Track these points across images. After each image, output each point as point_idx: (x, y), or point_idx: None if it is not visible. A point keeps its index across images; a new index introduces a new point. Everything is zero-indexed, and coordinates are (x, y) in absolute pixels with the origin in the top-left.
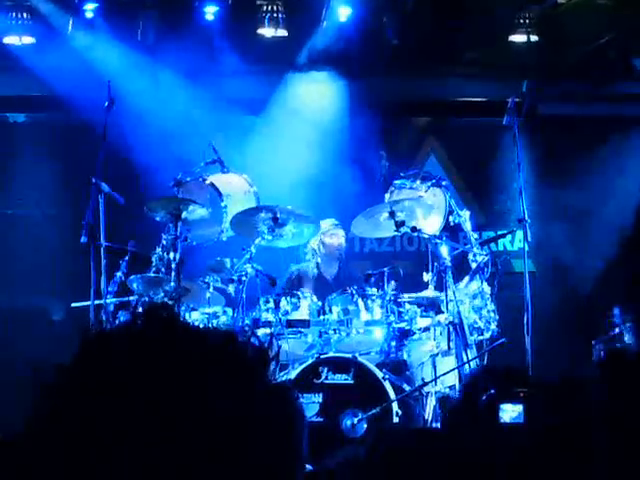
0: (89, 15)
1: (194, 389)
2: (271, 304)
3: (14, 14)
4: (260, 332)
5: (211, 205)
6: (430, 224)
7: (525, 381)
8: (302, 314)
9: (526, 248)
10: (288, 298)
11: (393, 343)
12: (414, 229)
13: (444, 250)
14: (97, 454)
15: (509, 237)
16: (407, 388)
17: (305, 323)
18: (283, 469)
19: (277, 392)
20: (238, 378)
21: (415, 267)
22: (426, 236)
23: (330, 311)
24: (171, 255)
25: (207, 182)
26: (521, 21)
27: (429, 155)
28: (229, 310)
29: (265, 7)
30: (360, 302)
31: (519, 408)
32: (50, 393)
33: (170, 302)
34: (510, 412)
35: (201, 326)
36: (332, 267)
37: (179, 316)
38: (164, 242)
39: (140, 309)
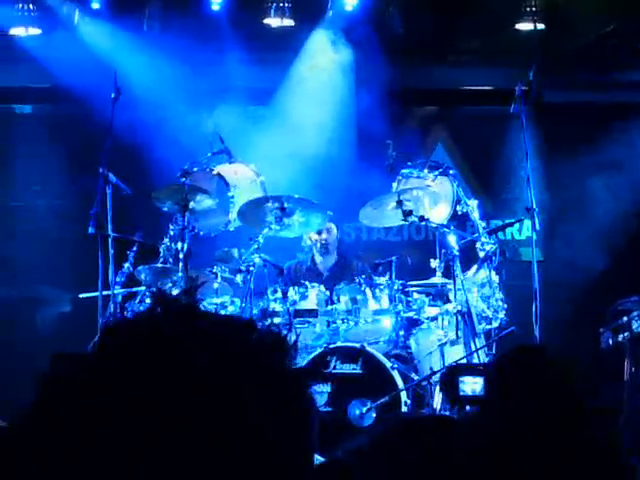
0: (95, 6)
1: (214, 377)
2: (279, 294)
3: (20, 5)
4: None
5: (218, 195)
6: (438, 213)
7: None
8: (310, 304)
9: (534, 237)
10: (296, 288)
11: (401, 332)
12: (422, 218)
13: (452, 239)
14: (111, 444)
15: (517, 226)
16: (416, 377)
17: (313, 313)
18: (296, 458)
19: (295, 380)
20: (258, 365)
21: (423, 256)
22: (434, 225)
23: (338, 300)
24: (179, 245)
25: (214, 172)
26: (527, 9)
27: (436, 144)
28: (237, 300)
29: None
30: (368, 291)
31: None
32: (66, 383)
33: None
34: (471, 385)
35: (221, 314)
36: (326, 260)
37: (199, 304)
38: (172, 232)
39: (160, 297)
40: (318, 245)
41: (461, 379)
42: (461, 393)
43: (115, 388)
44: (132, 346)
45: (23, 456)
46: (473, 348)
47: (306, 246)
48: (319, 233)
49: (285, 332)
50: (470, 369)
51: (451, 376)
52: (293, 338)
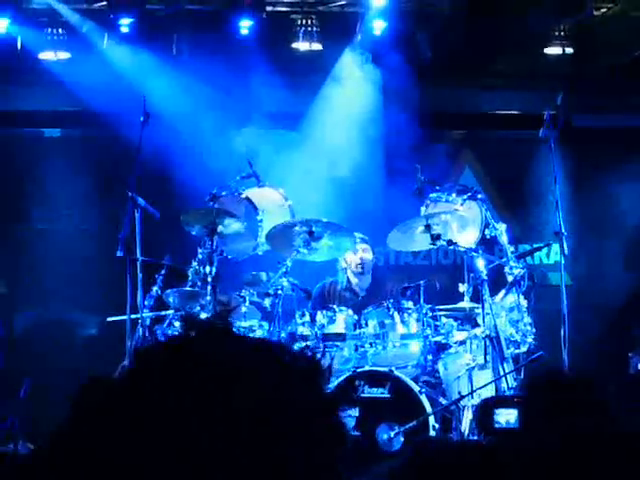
0: (124, 30)
1: (249, 400)
2: (307, 318)
3: (49, 30)
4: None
5: (246, 219)
6: (466, 237)
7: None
8: (338, 328)
9: (562, 261)
10: (324, 312)
11: (429, 357)
12: (450, 242)
13: (480, 263)
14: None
15: (545, 250)
16: (444, 402)
17: (341, 337)
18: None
19: (328, 404)
20: (291, 389)
21: (451, 280)
22: (462, 249)
23: (366, 324)
24: (207, 269)
25: (243, 196)
26: (556, 33)
27: (464, 168)
28: (265, 324)
29: (299, 21)
30: (396, 315)
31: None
32: (99, 407)
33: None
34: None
35: (255, 337)
36: (362, 281)
37: (232, 327)
38: (200, 256)
39: (193, 320)
40: (353, 265)
41: (496, 411)
42: (496, 425)
43: (150, 413)
44: (167, 370)
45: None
46: (501, 372)
47: (341, 269)
48: (355, 253)
49: (319, 356)
50: (504, 401)
51: (485, 408)
52: (327, 362)
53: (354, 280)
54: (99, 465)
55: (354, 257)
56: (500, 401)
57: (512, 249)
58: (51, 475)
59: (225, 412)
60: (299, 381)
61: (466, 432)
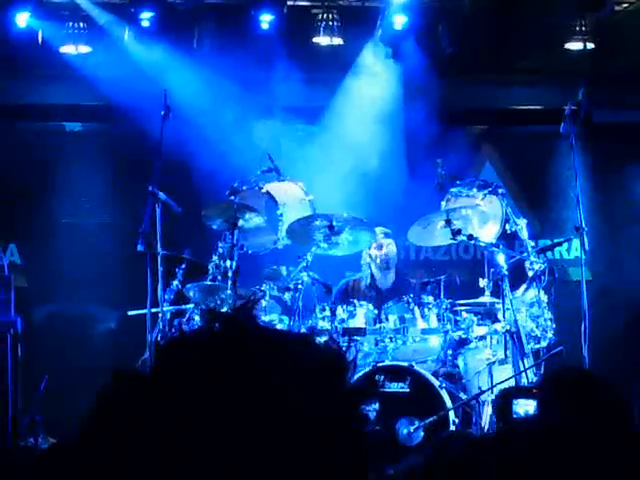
0: (145, 24)
1: (272, 393)
2: (327, 312)
3: (71, 23)
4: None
5: (267, 213)
6: (486, 232)
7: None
8: (358, 322)
9: (583, 256)
10: (344, 306)
11: (449, 352)
12: (470, 237)
13: (501, 258)
14: (176, 458)
15: (565, 245)
16: (464, 397)
17: (361, 331)
18: (352, 473)
19: (352, 396)
20: (316, 381)
21: (471, 275)
22: (483, 244)
23: (386, 319)
24: (227, 263)
25: (263, 190)
26: (577, 29)
27: (485, 163)
28: (285, 318)
29: (320, 15)
30: (416, 310)
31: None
32: (125, 398)
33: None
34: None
35: (279, 329)
36: (386, 278)
37: (257, 319)
38: (220, 250)
39: (217, 313)
40: (378, 261)
41: (515, 401)
42: (515, 415)
43: (177, 406)
44: (193, 362)
45: (86, 470)
46: (522, 368)
47: (364, 263)
48: (379, 248)
49: (344, 348)
50: (523, 392)
51: (505, 398)
52: (352, 355)
53: (378, 275)
54: (129, 459)
55: (379, 252)
56: (519, 392)
57: (532, 244)
58: (80, 469)
59: (254, 404)
60: (325, 373)
61: (486, 427)
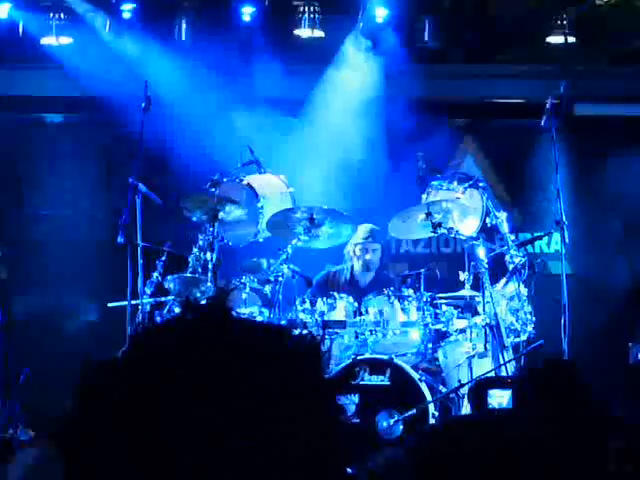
0: (126, 15)
1: (246, 381)
2: (307, 305)
3: (52, 14)
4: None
5: (247, 206)
6: (467, 226)
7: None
8: (338, 315)
9: (563, 250)
10: (324, 299)
11: (429, 345)
12: (451, 230)
13: (481, 252)
14: (146, 445)
15: (545, 239)
16: (443, 390)
17: (341, 324)
18: (326, 466)
19: (327, 387)
20: (289, 370)
21: (451, 269)
22: (463, 237)
23: (366, 312)
24: (208, 255)
25: (244, 183)
26: (558, 22)
27: (466, 156)
28: (265, 311)
29: (302, 8)
30: (396, 303)
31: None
32: (96, 389)
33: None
34: (498, 398)
35: (254, 320)
36: (366, 275)
37: (232, 309)
38: (201, 243)
39: (190, 303)
40: (361, 262)
41: (490, 392)
42: (489, 406)
43: (147, 394)
44: (163, 351)
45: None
46: (501, 361)
47: (347, 256)
48: (365, 252)
49: (318, 339)
50: (498, 382)
51: (479, 389)
52: (326, 346)
53: (358, 271)
54: (108, 448)
55: (363, 255)
56: (493, 382)
57: (513, 237)
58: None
59: (224, 392)
60: (299, 363)
61: None
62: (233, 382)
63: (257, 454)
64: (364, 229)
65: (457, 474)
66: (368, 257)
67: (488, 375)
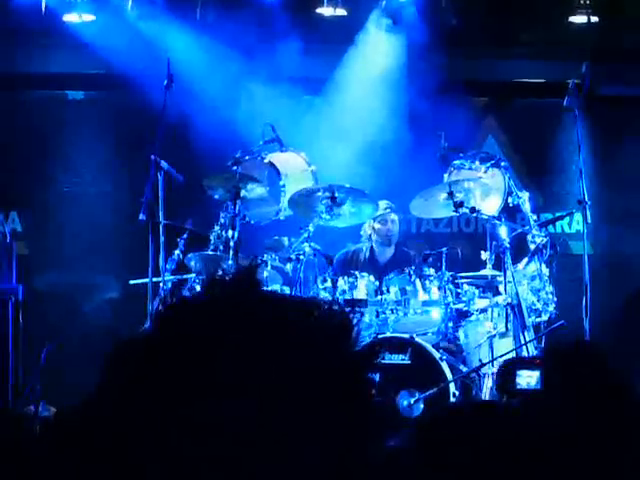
0: None
1: (276, 355)
2: (328, 283)
3: None
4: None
5: (269, 184)
6: (489, 205)
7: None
8: (360, 293)
9: (585, 230)
10: (345, 277)
11: (450, 324)
12: (473, 210)
13: (503, 231)
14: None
15: (567, 219)
16: (464, 369)
17: (362, 303)
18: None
19: (360, 361)
20: (322, 343)
21: (472, 248)
22: (485, 217)
23: (387, 291)
24: (229, 233)
25: (265, 161)
26: (581, 2)
27: (488, 135)
28: (286, 289)
29: None
30: (418, 282)
31: (536, 374)
32: (126, 362)
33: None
34: (526, 378)
35: (283, 295)
36: (386, 251)
37: (261, 283)
38: (222, 220)
39: (219, 279)
40: (381, 235)
41: (518, 372)
42: (517, 386)
43: (177, 374)
44: (194, 325)
45: (93, 438)
46: (522, 341)
47: (365, 235)
48: (384, 223)
49: (349, 312)
50: (527, 362)
51: (508, 368)
52: (356, 319)
53: (377, 249)
54: (130, 428)
55: (383, 227)
56: (522, 362)
57: (535, 217)
58: (84, 436)
59: (257, 366)
60: (332, 337)
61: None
62: (267, 355)
63: (290, 429)
64: (381, 204)
65: (472, 451)
66: (388, 227)
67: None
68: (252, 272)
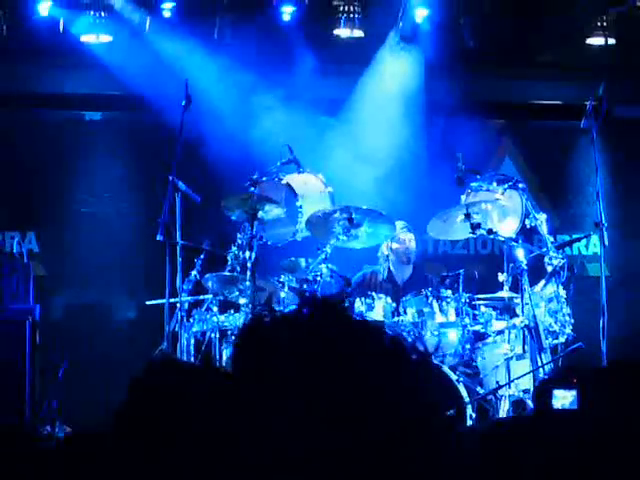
0: (167, 14)
1: (354, 374)
2: (346, 304)
3: (92, 12)
4: None
5: (286, 205)
6: (506, 227)
7: None
8: (377, 315)
9: (602, 252)
10: (363, 299)
11: (467, 346)
12: (490, 231)
13: (520, 253)
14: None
15: (584, 241)
16: (481, 391)
17: (379, 324)
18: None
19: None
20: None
21: (489, 270)
22: (502, 239)
23: (405, 312)
24: (247, 254)
25: (283, 182)
26: (599, 24)
27: (505, 157)
28: None
29: (341, 7)
30: (435, 304)
31: (572, 394)
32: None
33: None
34: (562, 399)
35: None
36: (403, 271)
37: (348, 309)
38: (239, 241)
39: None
40: (399, 254)
41: (554, 392)
42: (553, 406)
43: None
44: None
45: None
46: (539, 363)
47: (382, 256)
48: (401, 242)
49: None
50: (563, 382)
51: (545, 388)
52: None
53: (395, 269)
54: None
55: (400, 246)
56: (558, 382)
57: (552, 239)
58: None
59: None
60: (398, 358)
61: None
62: (338, 374)
63: (361, 443)
64: (398, 224)
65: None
66: (406, 246)
67: (529, 380)
68: (341, 297)
